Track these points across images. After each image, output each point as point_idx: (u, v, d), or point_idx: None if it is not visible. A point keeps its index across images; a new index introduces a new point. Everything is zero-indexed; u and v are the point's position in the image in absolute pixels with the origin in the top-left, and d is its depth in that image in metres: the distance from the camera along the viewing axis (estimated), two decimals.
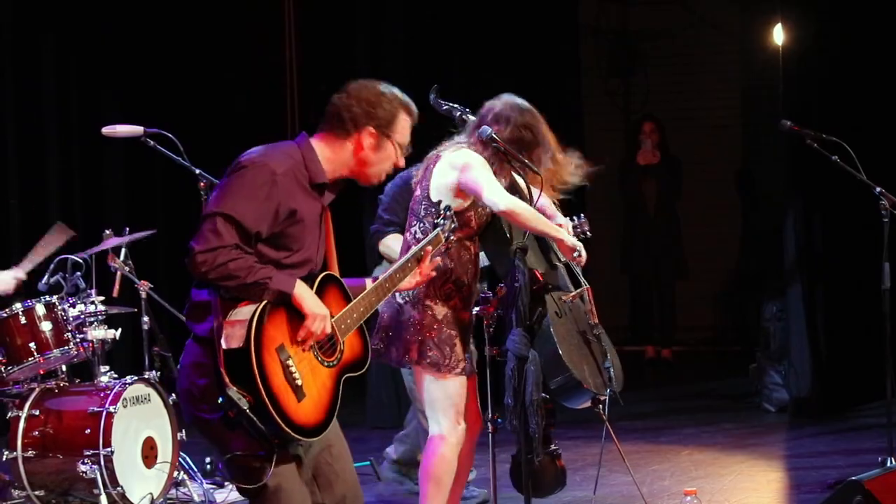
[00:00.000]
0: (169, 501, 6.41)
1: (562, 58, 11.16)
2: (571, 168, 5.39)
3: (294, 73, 9.92)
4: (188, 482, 6.49)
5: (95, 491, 6.03)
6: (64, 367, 6.52)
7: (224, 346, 3.79)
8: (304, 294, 3.91)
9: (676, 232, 11.06)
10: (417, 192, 5.24)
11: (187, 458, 6.60)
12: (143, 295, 6.62)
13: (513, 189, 5.26)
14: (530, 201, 5.21)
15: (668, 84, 12.22)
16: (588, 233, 5.82)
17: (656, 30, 12.25)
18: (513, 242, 5.16)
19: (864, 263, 7.30)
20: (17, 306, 6.25)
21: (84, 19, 9.27)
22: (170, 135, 6.15)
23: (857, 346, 8.37)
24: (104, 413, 6.07)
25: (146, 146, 6.29)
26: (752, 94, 11.56)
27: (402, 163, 4.18)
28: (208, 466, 6.84)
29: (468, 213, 5.16)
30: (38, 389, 6.29)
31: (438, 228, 4.49)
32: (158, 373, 6.58)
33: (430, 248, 4.41)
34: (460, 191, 5.11)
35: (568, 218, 5.83)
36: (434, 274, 4.46)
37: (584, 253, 5.27)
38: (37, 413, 6.20)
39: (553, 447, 5.45)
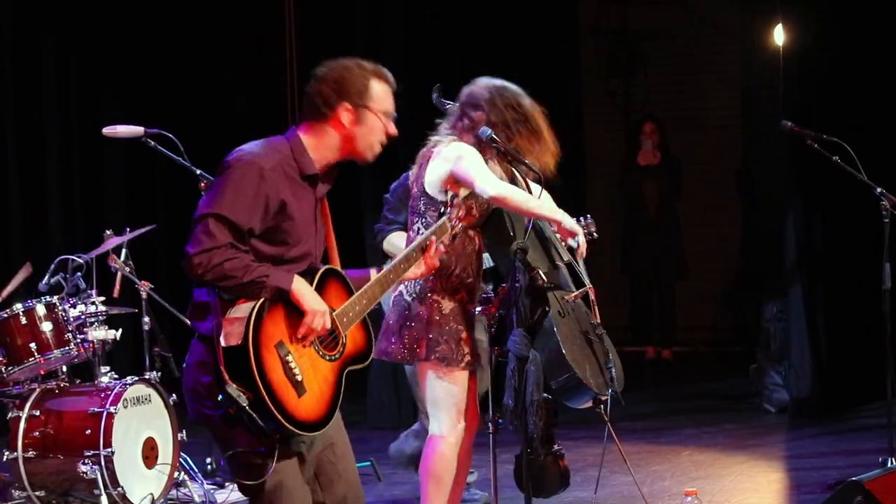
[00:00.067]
0: (169, 502, 6.41)
1: (562, 58, 11.16)
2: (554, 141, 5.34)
3: (294, 73, 9.91)
4: (189, 483, 6.49)
5: (96, 491, 6.03)
6: (64, 368, 6.52)
7: (223, 343, 3.79)
8: (303, 290, 3.90)
9: (676, 232, 11.06)
10: (415, 190, 5.24)
11: (188, 459, 6.60)
12: (144, 295, 6.62)
13: (512, 181, 5.25)
14: (530, 194, 5.21)
15: (668, 84, 12.23)
16: (595, 234, 5.81)
17: (656, 30, 12.25)
18: (514, 241, 5.15)
19: (864, 264, 7.30)
20: (18, 307, 6.25)
21: (84, 19, 9.27)
22: (170, 135, 6.15)
23: (858, 346, 8.38)
24: (105, 413, 6.07)
25: (146, 146, 6.29)
26: (752, 94, 11.57)
27: (392, 130, 4.13)
28: (209, 467, 6.84)
29: (468, 201, 5.15)
30: (38, 390, 6.29)
31: (444, 217, 4.44)
32: (159, 373, 6.59)
33: (434, 237, 4.36)
34: (454, 182, 5.09)
35: (573, 219, 5.82)
36: (438, 264, 4.42)
37: (583, 240, 5.26)
38: (37, 413, 6.19)
39: (556, 447, 5.45)
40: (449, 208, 4.47)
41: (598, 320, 5.40)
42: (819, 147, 6.50)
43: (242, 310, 3.82)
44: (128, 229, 6.67)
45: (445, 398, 5.19)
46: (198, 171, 6.15)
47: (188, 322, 4.01)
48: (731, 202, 11.92)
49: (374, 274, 4.21)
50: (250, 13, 10.07)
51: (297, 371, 3.86)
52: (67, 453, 6.11)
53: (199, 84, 9.87)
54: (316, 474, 4.08)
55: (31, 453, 6.15)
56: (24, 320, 6.22)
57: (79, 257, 6.50)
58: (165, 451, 6.32)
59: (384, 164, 8.32)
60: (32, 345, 6.19)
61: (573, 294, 5.33)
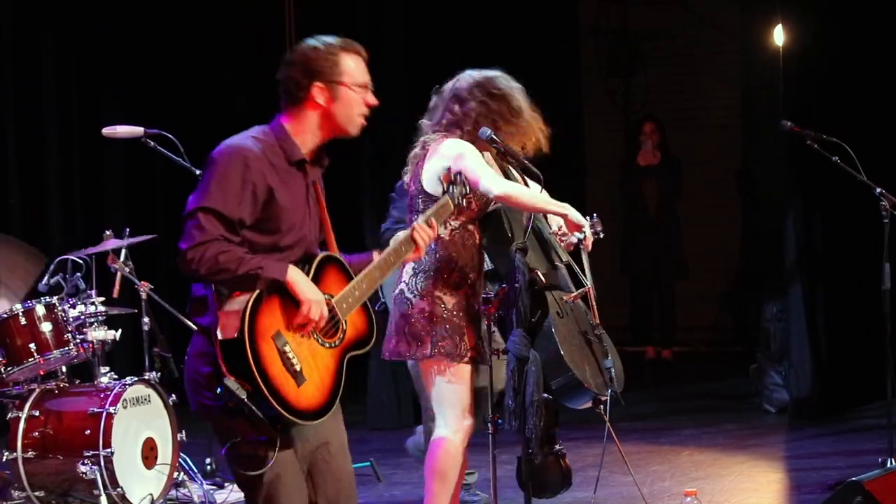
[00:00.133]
0: (169, 502, 6.41)
1: (562, 58, 11.18)
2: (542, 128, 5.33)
3: None
4: (188, 483, 6.49)
5: (95, 492, 6.03)
6: (64, 368, 6.53)
7: (220, 336, 3.80)
8: (298, 280, 3.89)
9: (676, 232, 11.05)
10: (412, 188, 5.23)
11: (187, 459, 6.59)
12: (144, 296, 6.62)
13: (506, 176, 5.25)
14: None
15: (668, 84, 12.22)
16: (601, 233, 5.81)
17: (656, 30, 12.25)
18: (514, 242, 5.15)
19: (864, 264, 7.29)
20: (18, 307, 6.26)
21: (84, 19, 9.27)
22: (170, 135, 6.15)
23: (858, 346, 8.37)
24: (104, 414, 6.07)
25: (146, 146, 6.29)
26: (752, 94, 11.56)
27: (371, 100, 4.10)
28: (208, 467, 6.84)
29: (467, 194, 5.14)
30: (38, 390, 6.29)
31: (447, 195, 4.40)
32: (158, 374, 6.58)
33: (434, 218, 4.30)
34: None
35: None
36: (434, 235, 4.35)
37: (589, 233, 5.25)
38: (37, 414, 6.20)
39: (558, 447, 5.45)
40: (451, 185, 4.41)
41: (598, 321, 5.40)
42: (819, 147, 6.50)
43: (238, 302, 3.82)
44: (128, 230, 6.67)
45: (450, 395, 5.18)
46: (197, 172, 6.14)
47: (187, 318, 4.02)
48: (731, 202, 11.92)
49: (375, 257, 4.19)
50: (250, 13, 10.06)
51: (295, 361, 3.86)
52: (67, 454, 6.11)
53: (199, 84, 9.87)
54: (310, 473, 4.06)
55: (30, 454, 6.15)
56: (23, 321, 6.22)
57: (78, 257, 6.50)
58: (165, 452, 6.32)
59: (385, 164, 8.39)
60: (32, 345, 6.20)
61: (572, 294, 5.32)
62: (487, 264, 5.43)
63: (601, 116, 12.36)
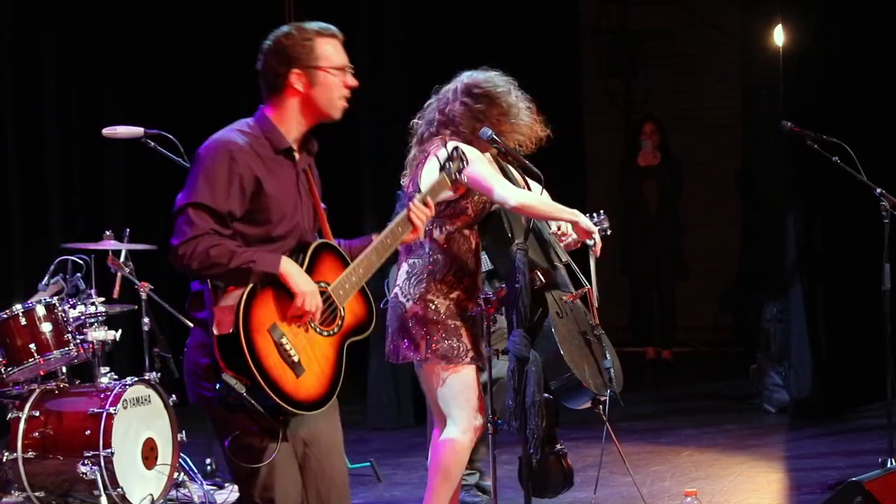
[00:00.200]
0: (169, 502, 6.41)
1: (562, 58, 11.17)
2: (536, 120, 5.33)
3: None
4: (188, 483, 6.49)
5: (95, 492, 6.03)
6: (64, 369, 6.52)
7: (216, 332, 3.80)
8: (291, 271, 3.89)
9: (676, 232, 11.05)
10: (410, 190, 5.23)
11: (187, 460, 6.59)
12: (144, 296, 6.62)
13: (506, 176, 5.26)
14: None
15: (668, 84, 12.22)
16: (608, 230, 5.82)
17: (656, 30, 12.25)
18: (514, 242, 5.15)
19: (864, 264, 7.30)
20: (18, 307, 6.25)
21: (84, 19, 9.27)
22: (170, 136, 6.15)
23: (858, 346, 8.37)
24: (104, 414, 6.07)
25: (146, 147, 6.29)
26: (752, 94, 11.56)
27: (351, 82, 4.07)
28: (208, 468, 6.84)
29: (463, 201, 5.16)
30: (38, 390, 6.29)
31: (443, 171, 4.37)
32: (158, 374, 6.59)
33: (430, 197, 4.26)
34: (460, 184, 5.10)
35: (589, 215, 5.84)
36: (431, 214, 4.32)
37: (598, 238, 5.27)
38: (37, 414, 6.20)
39: (559, 447, 5.45)
40: (448, 162, 4.39)
41: (597, 321, 5.40)
42: (819, 147, 6.50)
43: (233, 297, 3.82)
44: (128, 231, 6.67)
45: (456, 396, 5.18)
46: None
47: (186, 315, 4.02)
48: (731, 202, 11.92)
49: (375, 240, 4.18)
50: (250, 13, 10.06)
51: (292, 352, 3.86)
52: (67, 454, 6.11)
53: (199, 84, 9.87)
54: (301, 470, 4.05)
55: (30, 454, 6.15)
56: (23, 321, 6.21)
57: (78, 258, 6.50)
58: (165, 452, 6.32)
59: (385, 164, 8.39)
60: (32, 345, 6.19)
61: (571, 294, 5.32)
62: (487, 264, 5.43)
63: (601, 116, 12.36)
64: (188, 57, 9.85)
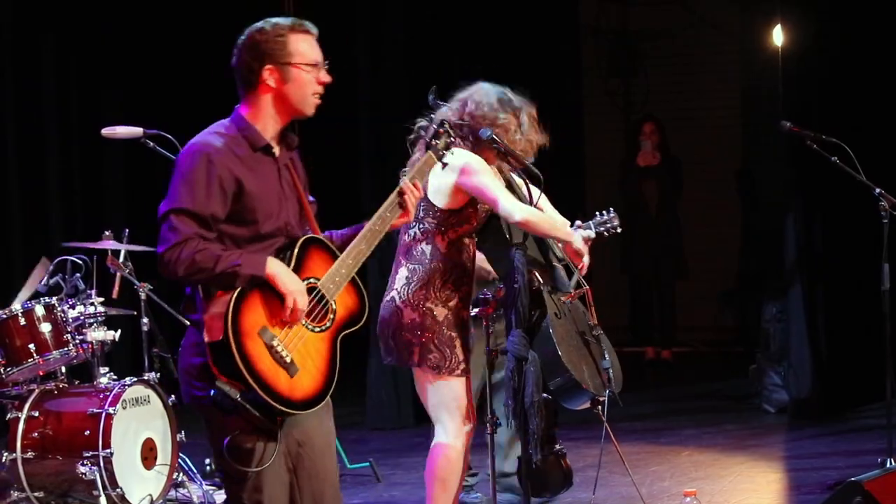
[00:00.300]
0: (168, 503, 6.41)
1: (562, 58, 11.18)
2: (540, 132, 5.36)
3: None
4: (187, 483, 6.49)
5: (95, 492, 6.03)
6: (63, 369, 6.52)
7: (206, 339, 3.80)
8: (278, 271, 3.88)
9: (676, 232, 11.04)
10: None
11: (187, 460, 6.59)
12: (143, 296, 6.62)
13: (509, 186, 5.27)
14: (530, 198, 5.22)
15: (668, 84, 12.22)
16: (619, 228, 5.82)
17: (656, 30, 12.24)
18: (512, 243, 5.15)
19: (864, 264, 7.29)
20: (17, 307, 6.25)
21: (84, 19, 9.27)
22: (169, 136, 6.15)
23: (857, 346, 8.37)
24: (103, 414, 6.07)
25: (146, 147, 6.29)
26: (752, 94, 11.53)
27: (324, 78, 4.04)
28: (208, 468, 6.83)
29: (468, 210, 5.17)
30: (37, 391, 6.29)
31: (430, 149, 4.33)
32: (158, 374, 6.59)
33: (419, 178, 4.23)
34: (459, 191, 5.11)
35: (598, 213, 5.85)
36: (421, 195, 4.31)
37: (587, 260, 5.28)
38: (36, 414, 6.20)
39: (558, 447, 5.45)
40: (434, 139, 4.35)
41: (596, 321, 5.40)
42: (818, 148, 6.50)
43: (221, 303, 3.81)
44: (127, 231, 6.67)
45: (447, 403, 5.19)
46: None
47: (182, 316, 4.03)
48: (731, 202, 11.91)
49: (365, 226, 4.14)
50: (250, 13, 10.04)
51: (284, 353, 3.85)
52: (66, 454, 6.11)
53: (199, 84, 9.86)
54: (294, 472, 4.04)
55: (29, 454, 6.15)
56: (22, 321, 6.21)
57: (78, 258, 6.50)
58: (164, 452, 6.32)
59: (385, 164, 8.39)
60: (31, 346, 6.19)
61: (570, 295, 5.33)
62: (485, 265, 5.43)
63: (601, 116, 12.36)
64: (188, 57, 9.85)
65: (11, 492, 6.19)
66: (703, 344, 11.72)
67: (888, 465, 6.37)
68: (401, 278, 5.19)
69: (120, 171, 9.49)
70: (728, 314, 11.98)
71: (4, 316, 6.21)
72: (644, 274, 11.11)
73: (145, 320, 6.65)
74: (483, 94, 5.27)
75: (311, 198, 4.17)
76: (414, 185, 4.18)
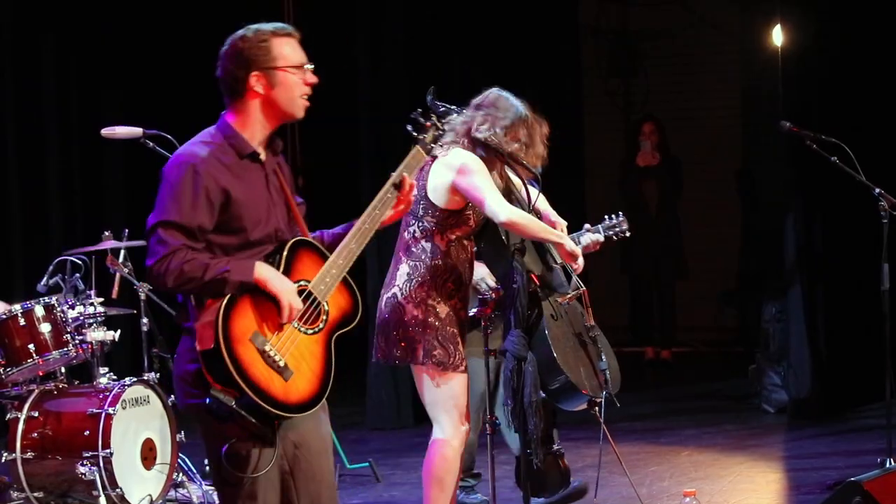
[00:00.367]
0: (168, 503, 6.41)
1: (562, 58, 11.17)
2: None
3: None
4: (187, 483, 6.49)
5: (94, 492, 6.03)
6: (63, 369, 6.52)
7: (199, 348, 3.81)
8: (267, 275, 3.88)
9: (676, 232, 11.04)
10: (414, 193, 5.23)
11: (186, 460, 6.59)
12: (143, 296, 6.62)
13: (508, 190, 5.27)
14: (528, 199, 5.22)
15: (668, 84, 12.21)
16: (627, 232, 5.82)
17: (656, 30, 12.24)
18: (509, 244, 5.16)
19: (863, 264, 7.29)
20: (17, 308, 6.25)
21: (84, 19, 9.27)
22: (169, 136, 6.15)
23: (857, 347, 8.37)
24: (103, 414, 6.07)
25: (146, 147, 6.29)
26: (752, 94, 11.52)
27: (311, 79, 4.04)
28: (207, 468, 6.83)
29: (467, 211, 5.18)
30: (37, 391, 6.30)
31: (418, 143, 4.32)
32: (157, 374, 6.59)
33: (406, 173, 4.22)
34: (456, 191, 5.12)
35: (607, 216, 5.84)
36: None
37: (581, 261, 5.27)
38: (36, 415, 6.20)
39: (555, 447, 5.45)
40: (421, 133, 4.34)
41: (593, 322, 5.40)
42: (817, 148, 6.50)
43: (212, 312, 3.81)
44: (127, 231, 6.67)
45: (445, 401, 5.19)
46: None
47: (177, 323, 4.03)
48: (731, 202, 11.90)
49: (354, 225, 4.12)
50: (250, 13, 10.04)
51: (277, 357, 3.85)
52: (66, 454, 6.11)
53: (199, 84, 9.85)
54: (291, 473, 4.04)
55: (29, 454, 6.15)
56: (22, 321, 6.21)
57: (77, 258, 6.50)
58: (164, 452, 6.32)
59: (385, 164, 8.37)
60: (31, 346, 6.19)
61: (567, 296, 5.32)
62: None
63: (601, 116, 12.35)
64: (188, 57, 9.84)
65: (11, 492, 6.19)
66: (703, 344, 11.72)
67: (888, 465, 6.38)
68: (402, 274, 5.20)
69: (120, 171, 9.49)
70: (728, 314, 11.97)
71: (4, 316, 6.22)
72: (644, 274, 11.10)
73: (145, 320, 6.65)
74: (506, 105, 5.28)
75: (298, 199, 4.17)
76: (403, 179, 4.18)
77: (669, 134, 11.00)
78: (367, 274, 8.53)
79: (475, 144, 5.18)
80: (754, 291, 10.39)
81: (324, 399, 3.96)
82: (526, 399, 5.05)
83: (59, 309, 6.30)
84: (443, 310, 5.15)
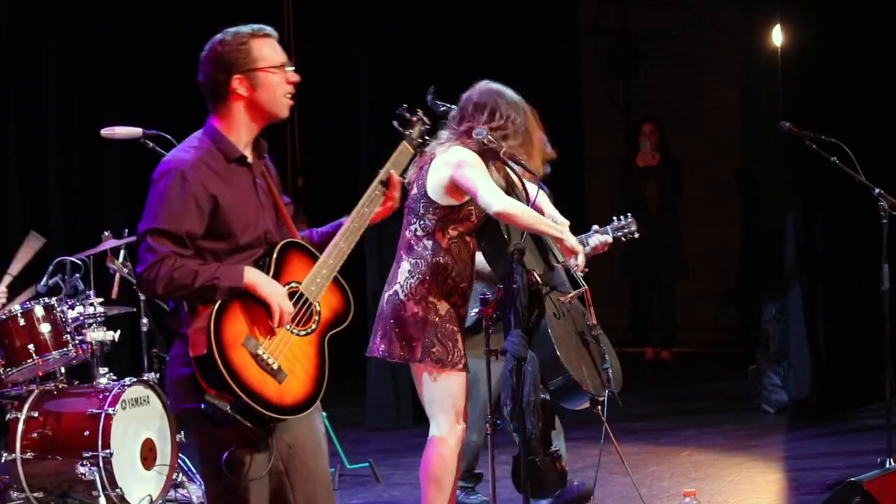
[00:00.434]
0: (168, 503, 6.41)
1: (562, 58, 11.18)
2: (546, 144, 5.38)
3: None
4: (187, 484, 6.49)
5: (94, 493, 6.04)
6: (63, 369, 6.53)
7: (192, 354, 3.81)
8: (256, 280, 3.88)
9: (676, 232, 11.04)
10: (414, 191, 5.25)
11: (186, 460, 6.60)
12: (142, 296, 6.62)
13: (509, 187, 5.27)
14: (527, 199, 5.22)
15: (668, 84, 12.21)
16: (636, 233, 5.81)
17: (656, 30, 12.24)
18: (510, 243, 5.16)
19: (863, 264, 7.29)
20: (16, 308, 6.25)
21: (84, 19, 9.27)
22: (168, 136, 6.15)
23: (857, 347, 8.37)
24: (103, 415, 6.08)
25: (146, 147, 6.29)
26: (752, 94, 11.52)
27: (292, 77, 4.05)
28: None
29: (468, 207, 5.18)
30: (36, 391, 6.30)
31: (405, 139, 4.31)
32: (157, 374, 6.59)
33: (394, 169, 4.23)
34: (455, 187, 5.12)
35: (615, 217, 5.84)
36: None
37: (583, 259, 5.27)
38: (36, 415, 6.20)
39: (553, 448, 5.44)
40: (408, 128, 4.33)
41: (595, 321, 5.40)
42: (817, 148, 6.50)
43: (203, 317, 3.82)
44: (126, 231, 6.67)
45: (443, 399, 5.19)
46: None
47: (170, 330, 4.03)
48: (731, 202, 11.90)
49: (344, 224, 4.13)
50: (250, 13, 10.04)
51: (271, 360, 3.85)
52: (66, 454, 6.11)
53: (199, 84, 9.86)
54: (287, 474, 4.04)
55: (29, 454, 6.16)
56: (22, 322, 6.22)
57: (77, 258, 6.50)
58: (164, 453, 6.32)
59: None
60: (31, 346, 6.20)
61: (569, 295, 5.32)
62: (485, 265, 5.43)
63: (601, 116, 12.35)
64: (188, 57, 9.82)
65: (11, 492, 6.20)
66: (703, 344, 11.72)
67: (888, 465, 6.38)
68: (403, 272, 5.21)
69: (120, 171, 9.49)
70: (728, 314, 11.98)
71: (4, 316, 6.23)
72: (644, 274, 11.10)
73: (145, 321, 6.66)
74: (477, 88, 5.28)
75: (285, 199, 4.17)
76: (390, 176, 4.19)
77: (669, 134, 11.00)
78: (367, 274, 8.53)
79: (476, 144, 5.18)
80: (754, 291, 10.39)
81: (319, 398, 3.96)
82: (525, 399, 5.05)
83: (58, 309, 6.30)
84: (443, 307, 5.15)
